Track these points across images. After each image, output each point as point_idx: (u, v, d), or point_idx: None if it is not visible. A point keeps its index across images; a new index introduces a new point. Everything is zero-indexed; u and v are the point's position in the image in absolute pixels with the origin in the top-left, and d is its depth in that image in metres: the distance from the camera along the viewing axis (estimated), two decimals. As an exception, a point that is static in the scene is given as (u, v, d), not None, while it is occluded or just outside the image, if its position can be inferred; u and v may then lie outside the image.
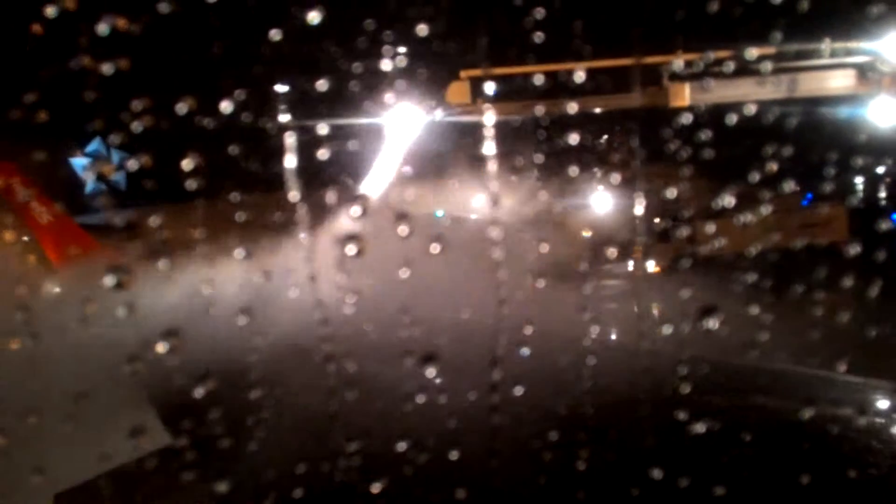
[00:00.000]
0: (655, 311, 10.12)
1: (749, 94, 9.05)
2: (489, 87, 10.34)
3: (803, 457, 4.23)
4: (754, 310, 5.39)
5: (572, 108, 8.44)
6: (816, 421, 4.25)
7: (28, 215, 12.76)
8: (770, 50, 8.48)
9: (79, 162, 17.16)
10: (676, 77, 10.14)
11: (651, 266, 13.41)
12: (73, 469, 4.36)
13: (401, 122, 11.33)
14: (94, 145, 16.96)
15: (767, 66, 8.26)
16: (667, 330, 4.69)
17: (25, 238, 12.78)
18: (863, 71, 9.76)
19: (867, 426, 4.96)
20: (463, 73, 10.88)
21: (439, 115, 11.32)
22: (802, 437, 4.33)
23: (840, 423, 4.53)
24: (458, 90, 10.97)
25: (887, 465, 4.52)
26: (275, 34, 5.33)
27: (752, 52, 7.90)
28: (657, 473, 3.58)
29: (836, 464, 4.28)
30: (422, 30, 6.45)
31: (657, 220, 14.14)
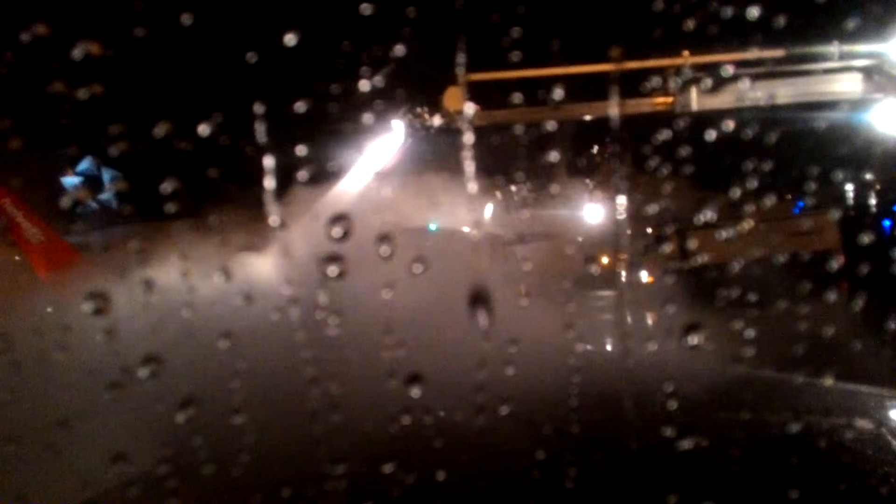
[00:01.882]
0: (650, 321, 10.09)
1: (754, 99, 8.88)
2: (485, 93, 10.04)
3: (793, 471, 4.19)
4: (750, 317, 5.37)
5: (569, 114, 8.35)
6: (806, 434, 4.22)
7: (19, 235, 12.65)
8: (776, 53, 8.37)
9: (70, 181, 17.11)
10: (681, 82, 9.89)
11: (644, 276, 13.42)
12: (55, 497, 4.31)
13: (393, 131, 11.15)
14: (86, 164, 16.93)
15: (747, 82, 8.18)
16: (653, 346, 4.66)
17: (17, 258, 12.66)
18: (869, 74, 9.42)
19: (858, 435, 4.93)
20: (461, 78, 10.51)
21: (435, 122, 11.05)
22: (791, 450, 4.29)
23: (829, 435, 4.50)
24: (455, 95, 10.58)
25: (881, 472, 4.49)
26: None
27: (756, 56, 7.84)
28: (646, 491, 3.55)
29: (826, 475, 4.25)
30: (418, 34, 6.39)
31: (650, 229, 14.15)
